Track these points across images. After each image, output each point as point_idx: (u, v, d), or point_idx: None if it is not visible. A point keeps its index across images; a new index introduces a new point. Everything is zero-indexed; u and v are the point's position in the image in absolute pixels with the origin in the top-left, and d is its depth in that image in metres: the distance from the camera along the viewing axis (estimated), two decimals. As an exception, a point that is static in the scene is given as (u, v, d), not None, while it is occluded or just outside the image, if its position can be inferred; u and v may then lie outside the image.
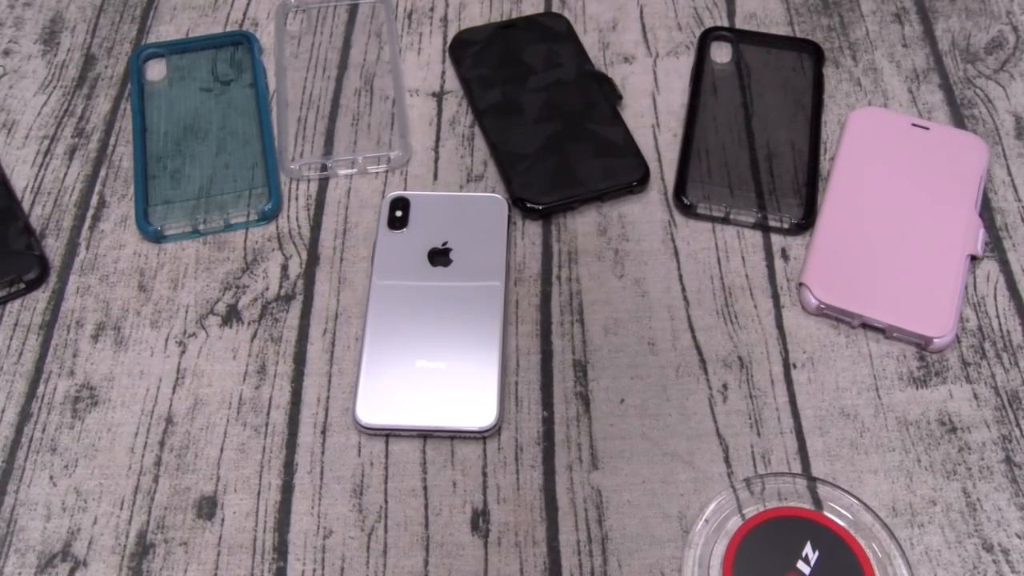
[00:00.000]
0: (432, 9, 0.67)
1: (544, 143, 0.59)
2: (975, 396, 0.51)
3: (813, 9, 0.66)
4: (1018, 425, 0.50)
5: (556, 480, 0.49)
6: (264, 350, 0.53)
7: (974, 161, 0.57)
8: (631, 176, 0.58)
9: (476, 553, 0.47)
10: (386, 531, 0.48)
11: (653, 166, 0.59)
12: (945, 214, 0.55)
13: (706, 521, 0.47)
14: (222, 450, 0.50)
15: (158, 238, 0.57)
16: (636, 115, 0.61)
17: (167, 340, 0.54)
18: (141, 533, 0.48)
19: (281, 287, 0.55)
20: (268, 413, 0.51)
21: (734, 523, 0.46)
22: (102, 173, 0.60)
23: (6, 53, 0.66)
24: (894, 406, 0.51)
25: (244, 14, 0.67)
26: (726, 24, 0.65)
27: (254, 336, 0.54)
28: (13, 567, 0.47)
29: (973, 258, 0.55)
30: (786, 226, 0.56)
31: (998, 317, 0.53)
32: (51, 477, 0.49)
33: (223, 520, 0.48)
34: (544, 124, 0.60)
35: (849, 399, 0.51)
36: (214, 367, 0.53)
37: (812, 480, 0.48)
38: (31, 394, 0.52)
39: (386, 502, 0.48)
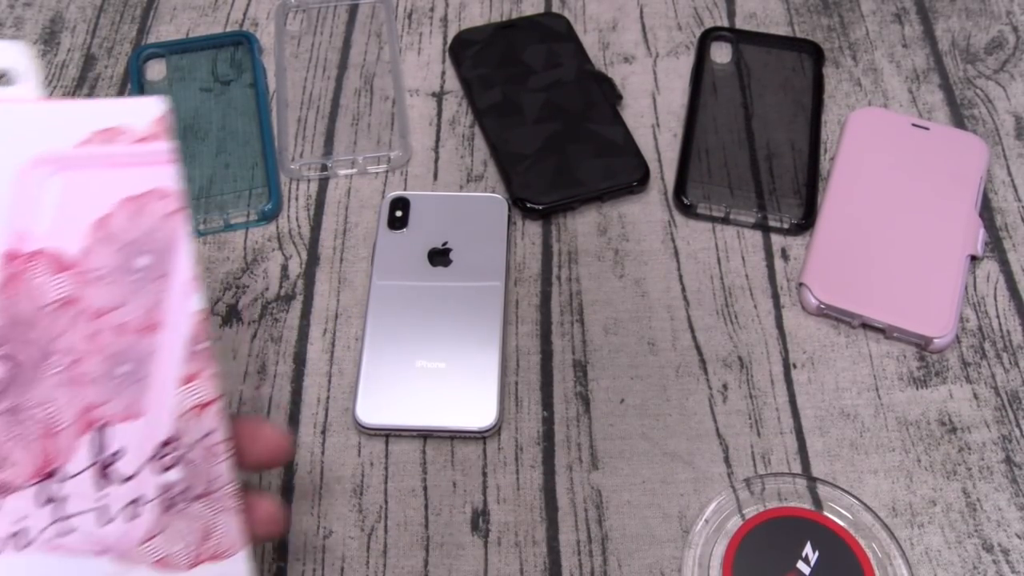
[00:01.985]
0: (432, 9, 0.67)
1: (544, 143, 0.59)
2: (975, 396, 0.51)
3: (813, 9, 0.66)
4: (1018, 425, 0.50)
5: (556, 480, 0.49)
6: (264, 350, 0.53)
7: (974, 161, 0.57)
8: (631, 176, 0.58)
9: (476, 553, 0.47)
10: (386, 531, 0.48)
11: (653, 166, 0.59)
12: (945, 214, 0.55)
13: (706, 521, 0.47)
14: (222, 450, 0.50)
15: (158, 238, 0.57)
16: (636, 115, 0.61)
17: (167, 340, 0.54)
18: (141, 533, 0.48)
19: (281, 287, 0.55)
20: (268, 413, 0.51)
21: (734, 523, 0.46)
22: (102, 173, 0.60)
23: (6, 53, 0.66)
24: (894, 406, 0.51)
25: (244, 14, 0.67)
26: (726, 24, 0.65)
27: (254, 336, 0.54)
28: (13, 567, 0.47)
29: (973, 258, 0.55)
30: (786, 226, 0.56)
31: (998, 317, 0.53)
32: (51, 477, 0.49)
33: (223, 520, 0.48)
34: (544, 124, 0.60)
35: (849, 399, 0.51)
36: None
37: (812, 480, 0.48)
38: (31, 394, 0.52)
39: (386, 502, 0.48)
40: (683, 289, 0.55)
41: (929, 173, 0.56)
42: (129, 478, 0.34)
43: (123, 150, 0.33)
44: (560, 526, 0.48)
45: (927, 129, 0.58)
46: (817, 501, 0.47)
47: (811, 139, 0.59)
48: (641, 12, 0.67)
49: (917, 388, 0.51)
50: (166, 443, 0.34)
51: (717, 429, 0.50)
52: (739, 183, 0.57)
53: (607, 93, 0.61)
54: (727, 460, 0.49)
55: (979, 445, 0.49)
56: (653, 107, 0.62)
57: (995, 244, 0.56)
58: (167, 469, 0.34)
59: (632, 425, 0.50)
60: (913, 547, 0.46)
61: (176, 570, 0.34)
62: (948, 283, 0.53)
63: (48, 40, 0.66)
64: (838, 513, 0.46)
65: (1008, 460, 0.49)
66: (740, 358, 0.52)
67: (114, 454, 0.34)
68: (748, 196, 0.57)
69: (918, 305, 0.52)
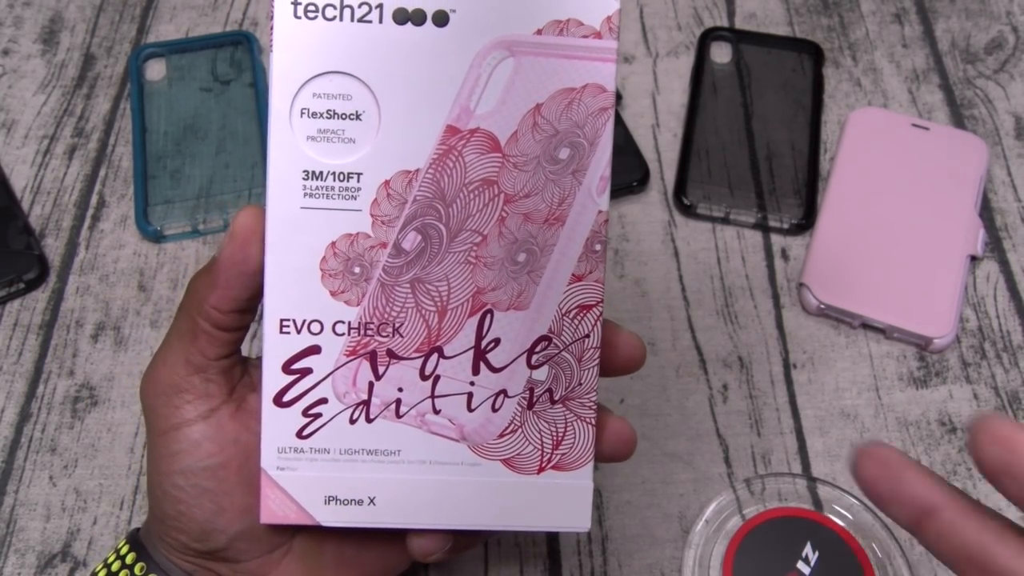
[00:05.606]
0: (432, 9, 0.67)
1: (544, 143, 0.59)
2: (975, 396, 0.51)
3: (813, 9, 0.66)
4: (1018, 425, 0.50)
5: (556, 480, 0.49)
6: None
7: (974, 161, 0.57)
8: (631, 176, 0.58)
9: (476, 553, 0.47)
10: (386, 531, 0.48)
11: (653, 166, 0.59)
12: (945, 214, 0.55)
13: (706, 521, 0.47)
14: (222, 450, 0.50)
15: (158, 238, 0.57)
16: (636, 115, 0.61)
17: (167, 340, 0.53)
18: (141, 533, 0.48)
19: (281, 287, 0.55)
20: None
21: (734, 523, 0.46)
22: (102, 173, 0.60)
23: (5, 53, 0.66)
24: (894, 406, 0.51)
25: (244, 14, 0.67)
26: (726, 24, 0.65)
27: (254, 336, 0.54)
28: (13, 567, 0.47)
29: (973, 258, 0.55)
30: (786, 226, 0.56)
31: (998, 317, 0.53)
32: (51, 477, 0.49)
33: (223, 520, 0.48)
34: (544, 124, 0.60)
35: (849, 399, 0.51)
36: (214, 367, 0.53)
37: (812, 480, 0.48)
38: (31, 394, 0.52)
39: (386, 502, 0.48)
40: (683, 289, 0.55)
41: (929, 173, 0.56)
42: (500, 369, 0.34)
43: (572, 42, 0.33)
44: (560, 526, 0.48)
45: (927, 129, 0.58)
46: (817, 501, 0.47)
47: (811, 139, 0.59)
48: (641, 12, 0.67)
49: (917, 388, 0.51)
50: (542, 339, 0.34)
51: (717, 429, 0.50)
52: (739, 183, 0.57)
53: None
54: (727, 460, 0.49)
55: (979, 445, 0.49)
56: (653, 107, 0.62)
57: (995, 244, 0.56)
58: (537, 366, 0.34)
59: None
60: (913, 547, 0.46)
61: (522, 472, 0.34)
62: (948, 283, 0.53)
63: (47, 40, 0.66)
64: (838, 513, 0.46)
65: (1008, 460, 0.49)
66: (740, 358, 0.52)
67: (493, 342, 0.34)
68: (748, 196, 0.57)
69: (918, 305, 0.52)
